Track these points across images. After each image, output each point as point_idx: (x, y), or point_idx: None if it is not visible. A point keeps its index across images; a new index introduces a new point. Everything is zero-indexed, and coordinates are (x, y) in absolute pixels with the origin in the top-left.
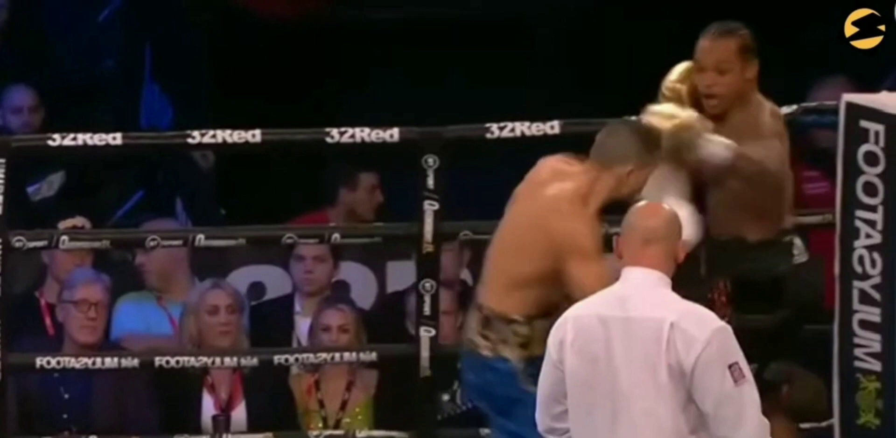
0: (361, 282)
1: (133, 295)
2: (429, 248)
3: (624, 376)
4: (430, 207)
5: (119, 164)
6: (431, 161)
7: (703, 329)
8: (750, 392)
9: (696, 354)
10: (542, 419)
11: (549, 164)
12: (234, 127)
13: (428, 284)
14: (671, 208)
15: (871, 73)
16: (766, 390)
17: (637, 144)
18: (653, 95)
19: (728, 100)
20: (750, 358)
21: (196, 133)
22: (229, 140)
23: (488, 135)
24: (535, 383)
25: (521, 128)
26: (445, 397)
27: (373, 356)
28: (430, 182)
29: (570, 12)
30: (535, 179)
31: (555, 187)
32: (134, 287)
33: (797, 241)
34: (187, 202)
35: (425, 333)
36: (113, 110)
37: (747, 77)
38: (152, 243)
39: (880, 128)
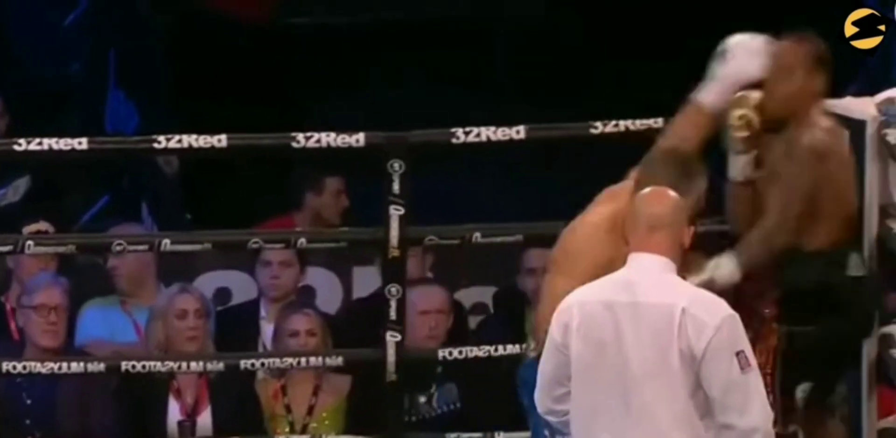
0: (327, 287)
1: (98, 301)
2: (394, 253)
3: (634, 360)
4: (395, 212)
5: (85, 169)
6: (397, 166)
7: (714, 315)
8: (756, 381)
9: (706, 340)
10: (542, 400)
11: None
12: (199, 131)
13: (394, 289)
14: (676, 194)
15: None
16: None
17: (665, 168)
18: (613, 99)
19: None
20: (799, 375)
21: (162, 138)
22: (195, 145)
23: (454, 140)
24: None
25: (487, 133)
26: (422, 399)
27: (339, 361)
28: (396, 187)
29: (528, 18)
30: (595, 201)
31: (598, 211)
32: (100, 291)
33: (854, 255)
34: (153, 207)
35: (391, 338)
36: (79, 115)
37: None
38: (118, 248)
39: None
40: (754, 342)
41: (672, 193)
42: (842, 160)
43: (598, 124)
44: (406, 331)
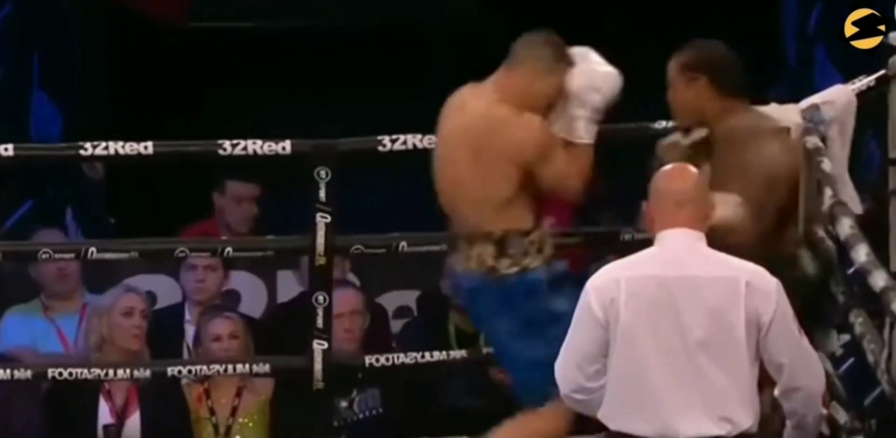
0: (252, 291)
1: (20, 308)
2: (321, 261)
3: (696, 334)
4: (322, 220)
5: (9, 174)
6: (324, 173)
7: (771, 284)
8: (808, 343)
9: (773, 308)
10: (572, 377)
11: (462, 92)
12: (124, 134)
13: (321, 297)
14: (695, 170)
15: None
16: None
17: (543, 49)
18: None
19: (681, 119)
20: None
21: (88, 145)
22: (121, 151)
23: (381, 148)
24: (560, 295)
25: (413, 140)
26: (343, 404)
27: (266, 368)
28: (322, 194)
29: (462, 21)
30: (455, 106)
31: (477, 105)
32: (22, 298)
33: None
34: (77, 212)
35: (318, 346)
36: (2, 119)
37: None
38: (44, 256)
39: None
40: None
41: (692, 168)
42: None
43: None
44: (332, 339)
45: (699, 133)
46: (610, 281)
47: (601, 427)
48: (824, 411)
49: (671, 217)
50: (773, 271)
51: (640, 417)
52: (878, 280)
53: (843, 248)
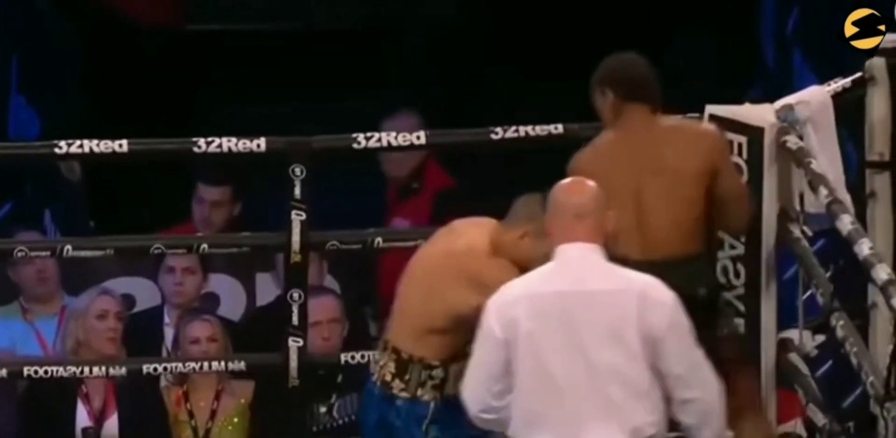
0: (230, 294)
1: None
2: (296, 258)
3: (593, 348)
4: (297, 217)
5: None
6: (298, 171)
7: (666, 295)
8: (703, 356)
9: (667, 320)
10: (479, 397)
11: (461, 222)
12: (103, 137)
13: (296, 294)
14: (593, 183)
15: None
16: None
17: (537, 212)
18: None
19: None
20: None
21: (63, 143)
22: (96, 150)
23: (355, 145)
24: (439, 427)
25: (388, 138)
26: (322, 409)
27: (241, 365)
28: (298, 192)
29: (436, 21)
30: (448, 230)
31: (467, 236)
32: (1, 300)
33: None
34: (56, 214)
35: (293, 343)
36: None
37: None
38: (20, 254)
39: (743, 140)
40: None
41: (590, 182)
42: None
43: (499, 129)
44: (307, 336)
45: None
46: (509, 299)
47: None
48: (729, 433)
49: (570, 230)
50: None
51: (547, 432)
52: (881, 274)
53: (825, 250)
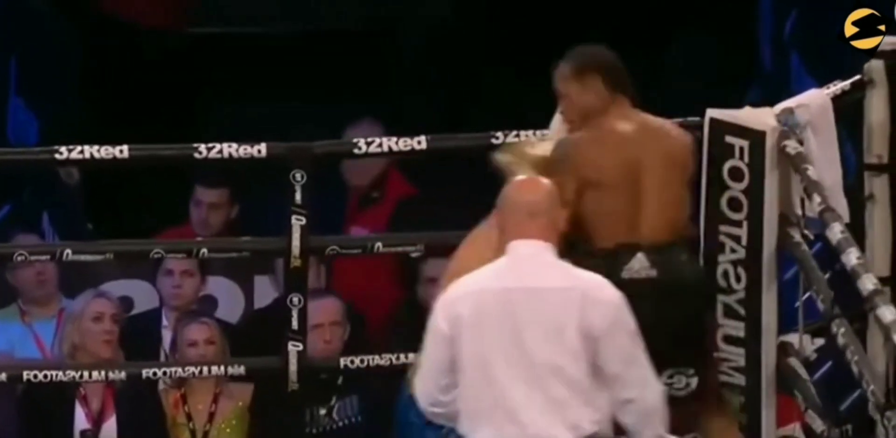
0: (229, 297)
1: None
2: (296, 263)
3: (534, 344)
4: (297, 222)
5: None
6: (299, 176)
7: (610, 294)
8: (645, 357)
9: (609, 318)
10: (428, 392)
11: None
12: (101, 139)
13: (296, 298)
14: (547, 181)
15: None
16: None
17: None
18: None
19: (580, 125)
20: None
21: (63, 149)
22: (97, 155)
23: (356, 151)
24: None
25: (389, 143)
26: (322, 411)
27: (241, 370)
28: (298, 197)
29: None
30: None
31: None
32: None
33: (638, 256)
34: (54, 217)
35: (293, 347)
36: None
37: (588, 97)
38: (20, 258)
39: (745, 143)
40: None
41: (544, 180)
42: (606, 160)
43: (500, 134)
44: (307, 341)
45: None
46: (456, 296)
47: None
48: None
49: (522, 228)
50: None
51: (489, 427)
52: (868, 284)
53: (824, 253)
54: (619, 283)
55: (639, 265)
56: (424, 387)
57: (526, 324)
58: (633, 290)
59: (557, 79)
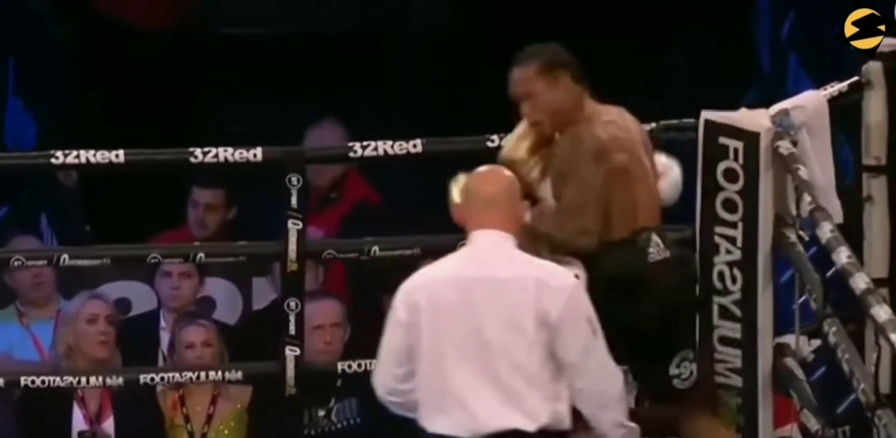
0: (227, 298)
1: None
2: (293, 267)
3: (491, 332)
4: (293, 226)
5: None
6: (295, 180)
7: (565, 283)
8: (604, 347)
9: (562, 306)
10: (385, 381)
11: None
12: (98, 141)
13: (293, 303)
14: (508, 173)
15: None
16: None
17: None
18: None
19: (550, 123)
20: (619, 359)
21: (59, 153)
22: (93, 160)
23: (351, 154)
24: None
25: (384, 146)
26: (321, 413)
27: (238, 375)
28: (294, 201)
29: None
30: None
31: None
32: None
33: (653, 238)
34: (52, 219)
35: (290, 352)
36: None
37: (558, 94)
38: (17, 263)
39: (739, 145)
40: None
41: (505, 171)
42: (627, 149)
43: (495, 137)
44: (304, 345)
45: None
46: (416, 284)
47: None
48: (632, 425)
49: (482, 218)
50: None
51: (446, 417)
52: (859, 282)
53: (820, 254)
54: (648, 267)
55: (656, 247)
56: (382, 376)
57: (483, 314)
58: (658, 272)
59: (517, 81)
